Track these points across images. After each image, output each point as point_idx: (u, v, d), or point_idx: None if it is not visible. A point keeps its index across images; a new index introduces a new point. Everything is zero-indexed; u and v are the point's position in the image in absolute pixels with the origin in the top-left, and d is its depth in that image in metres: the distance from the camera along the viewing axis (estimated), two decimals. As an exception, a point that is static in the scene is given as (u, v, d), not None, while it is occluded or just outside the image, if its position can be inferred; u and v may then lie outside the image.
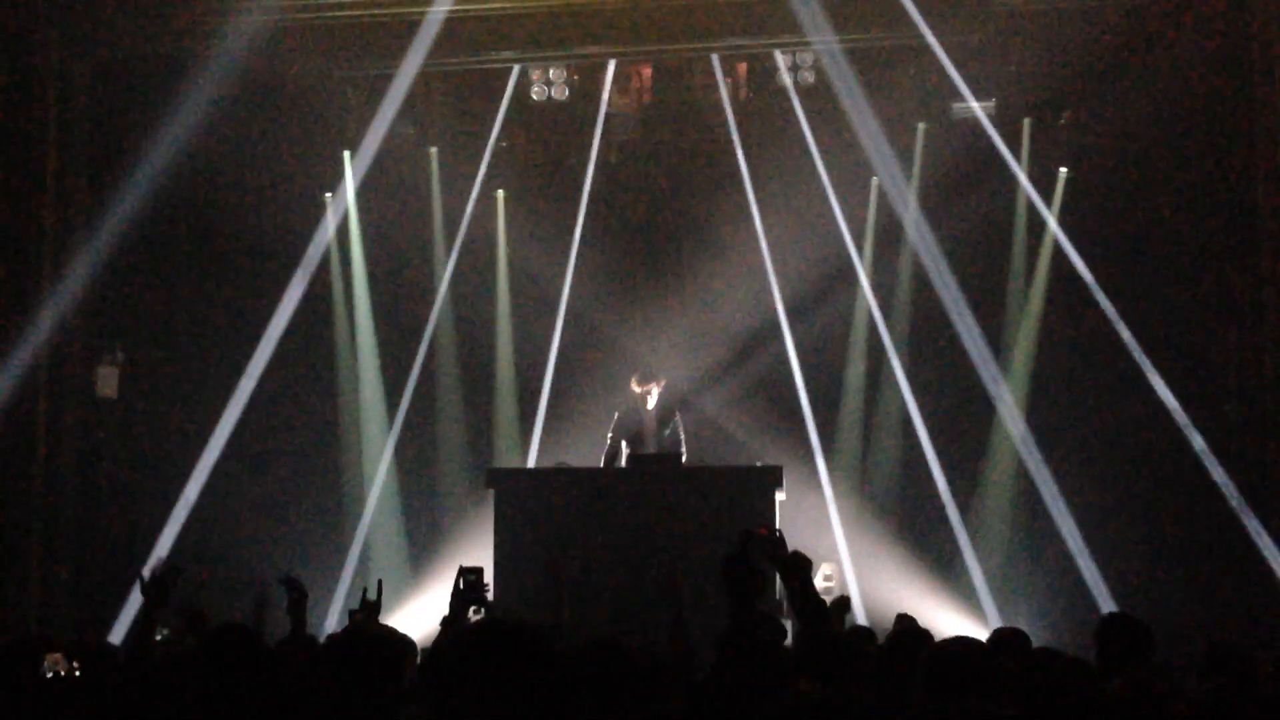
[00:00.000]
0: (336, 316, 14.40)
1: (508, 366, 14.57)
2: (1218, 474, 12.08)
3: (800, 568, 5.46)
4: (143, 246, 13.18)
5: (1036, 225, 13.53)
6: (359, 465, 14.26)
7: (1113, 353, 12.73)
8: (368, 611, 5.83)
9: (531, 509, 10.59)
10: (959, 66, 13.08)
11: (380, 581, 5.96)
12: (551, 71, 13.98)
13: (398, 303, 14.61)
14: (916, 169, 13.67)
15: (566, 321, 14.17)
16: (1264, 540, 11.73)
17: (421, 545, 13.88)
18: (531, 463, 13.66)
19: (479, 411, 14.52)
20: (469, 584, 5.69)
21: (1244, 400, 12.40)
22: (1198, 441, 12.21)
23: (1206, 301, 12.66)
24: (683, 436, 11.42)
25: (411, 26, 12.93)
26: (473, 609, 5.71)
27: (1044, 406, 13.29)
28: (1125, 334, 12.69)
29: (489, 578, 9.78)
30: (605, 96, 14.25)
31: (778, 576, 5.57)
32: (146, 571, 5.49)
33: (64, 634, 9.85)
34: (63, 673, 6.29)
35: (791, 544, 5.67)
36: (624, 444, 11.36)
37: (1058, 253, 13.31)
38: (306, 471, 14.08)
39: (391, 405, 14.31)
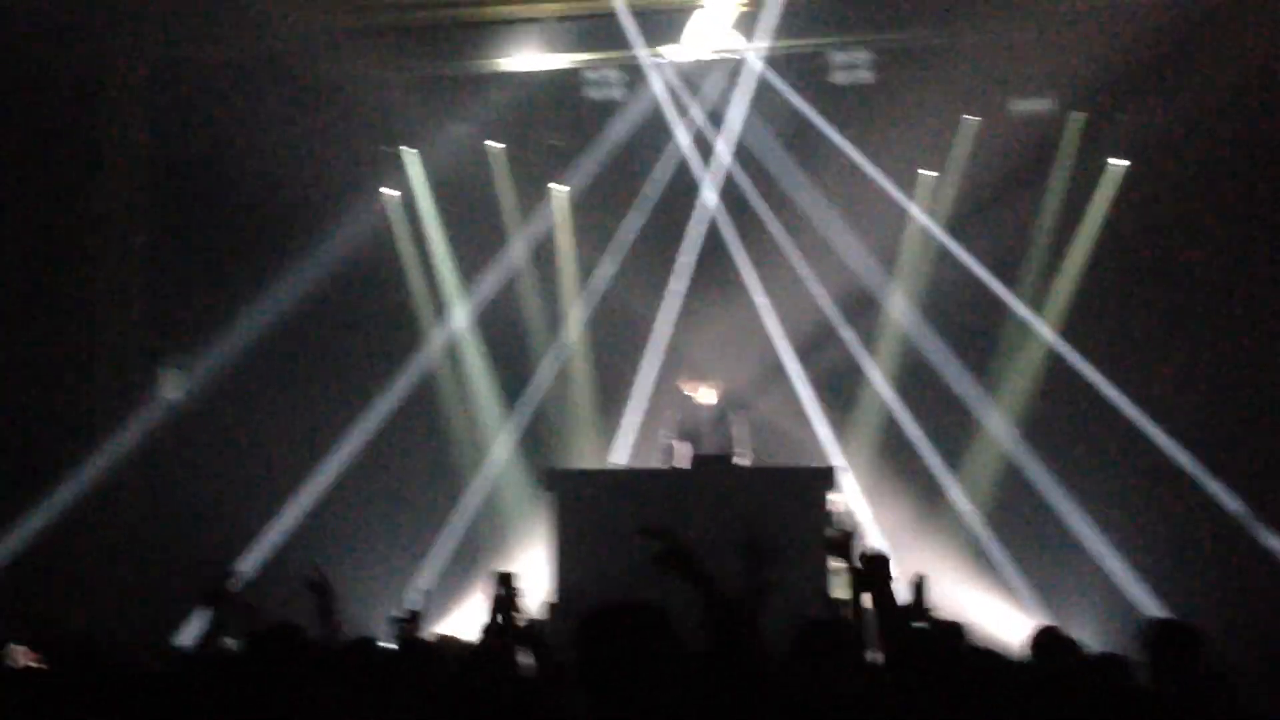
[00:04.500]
0: (424, 320, 14.45)
1: (582, 366, 14.60)
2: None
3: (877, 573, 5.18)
4: (205, 247, 13.32)
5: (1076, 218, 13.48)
6: (448, 473, 14.28)
7: (1161, 342, 12.78)
8: (413, 620, 5.87)
9: (587, 510, 10.60)
10: (1017, 62, 13.03)
11: (428, 592, 5.98)
12: (609, 72, 13.96)
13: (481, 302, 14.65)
14: (959, 163, 13.62)
15: (610, 314, 14.18)
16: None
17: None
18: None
19: (556, 414, 14.59)
20: (505, 590, 5.68)
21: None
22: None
23: (1263, 300, 12.50)
24: (741, 435, 11.35)
25: (466, 27, 13.03)
26: (508, 615, 5.69)
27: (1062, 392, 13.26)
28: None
29: (546, 578, 9.98)
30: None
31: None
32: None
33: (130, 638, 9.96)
34: (28, 664, 6.36)
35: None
36: (677, 444, 11.37)
37: (1101, 244, 13.25)
38: (409, 474, 14.09)
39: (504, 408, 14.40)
